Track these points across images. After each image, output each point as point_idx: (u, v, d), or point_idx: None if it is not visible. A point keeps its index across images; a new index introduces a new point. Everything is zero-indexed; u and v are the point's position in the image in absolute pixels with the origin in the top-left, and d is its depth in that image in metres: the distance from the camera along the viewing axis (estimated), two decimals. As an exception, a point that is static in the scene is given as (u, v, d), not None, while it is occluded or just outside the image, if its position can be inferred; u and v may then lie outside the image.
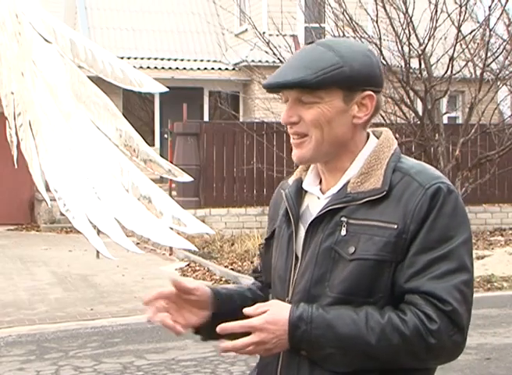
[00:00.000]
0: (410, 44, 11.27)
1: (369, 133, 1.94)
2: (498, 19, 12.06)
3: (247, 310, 1.81)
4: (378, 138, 1.94)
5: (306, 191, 1.97)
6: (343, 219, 1.84)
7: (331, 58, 1.84)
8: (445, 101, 16.62)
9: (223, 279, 10.46)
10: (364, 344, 1.75)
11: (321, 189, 1.95)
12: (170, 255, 12.59)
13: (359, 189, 1.85)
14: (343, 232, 1.83)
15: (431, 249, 1.78)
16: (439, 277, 1.76)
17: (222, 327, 1.80)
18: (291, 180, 2.03)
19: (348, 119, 1.87)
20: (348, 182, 1.88)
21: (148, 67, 18.85)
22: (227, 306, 1.98)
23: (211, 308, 1.97)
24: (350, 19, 11.45)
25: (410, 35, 11.35)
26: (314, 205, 1.93)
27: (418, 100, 12.01)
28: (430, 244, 1.78)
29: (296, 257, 1.92)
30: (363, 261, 1.80)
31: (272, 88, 1.91)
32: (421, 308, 1.75)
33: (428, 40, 11.35)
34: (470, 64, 11.96)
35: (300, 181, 1.99)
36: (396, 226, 1.79)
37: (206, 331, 2.00)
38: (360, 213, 1.83)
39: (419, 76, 11.57)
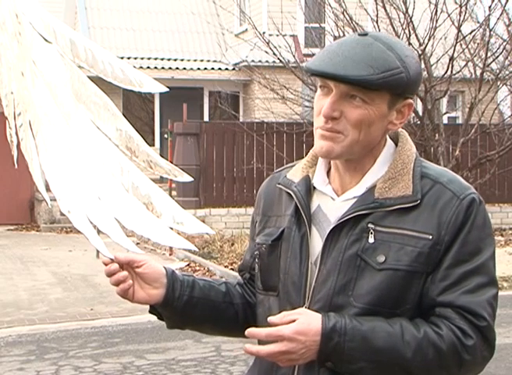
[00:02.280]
0: (410, 44, 11.27)
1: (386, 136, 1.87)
2: (498, 19, 12.07)
3: (272, 318, 1.71)
4: (392, 139, 1.87)
5: (314, 189, 1.88)
6: (371, 225, 1.76)
7: (393, 61, 1.74)
8: (445, 101, 16.63)
9: (223, 279, 10.46)
10: (399, 358, 1.70)
11: (333, 188, 1.86)
12: (170, 255, 12.59)
13: (386, 195, 1.78)
14: (371, 239, 1.75)
15: (464, 262, 1.74)
16: (473, 291, 1.73)
17: (249, 332, 1.72)
18: (294, 177, 1.91)
19: (385, 124, 1.79)
20: (373, 186, 1.80)
21: (148, 67, 18.86)
22: (187, 292, 1.92)
23: (165, 290, 1.90)
24: (350, 19, 11.46)
25: (410, 35, 11.36)
26: (330, 206, 1.84)
27: (418, 100, 12.01)
28: (463, 257, 1.74)
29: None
30: (393, 271, 1.73)
31: (324, 77, 1.76)
32: (455, 323, 1.71)
33: (428, 40, 11.36)
34: (470, 64, 11.97)
35: (308, 179, 1.88)
36: (430, 237, 1.73)
37: (167, 316, 1.95)
38: (389, 221, 1.76)
39: (419, 76, 11.56)
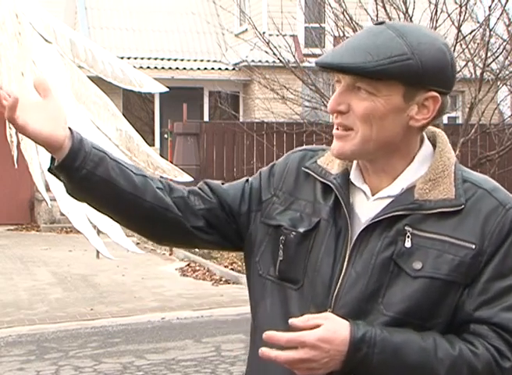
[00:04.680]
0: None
1: (423, 135, 1.73)
2: (498, 19, 12.05)
3: (294, 321, 1.56)
4: (429, 139, 1.74)
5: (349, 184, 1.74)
6: (408, 228, 1.64)
7: (398, 47, 1.60)
8: (445, 101, 16.59)
9: (223, 279, 10.46)
10: (431, 374, 1.58)
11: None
12: (170, 255, 12.59)
13: (427, 197, 1.66)
14: (408, 243, 1.63)
15: (504, 276, 1.63)
16: (511, 309, 1.62)
17: (268, 336, 1.56)
18: (330, 167, 1.76)
19: (404, 119, 1.65)
20: (412, 187, 1.67)
21: (148, 67, 18.84)
22: (89, 167, 1.67)
23: (67, 152, 1.64)
24: (350, 19, 11.44)
25: (410, 35, 11.34)
26: (362, 204, 1.71)
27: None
28: (504, 271, 1.63)
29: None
30: (430, 280, 1.61)
31: (325, 68, 1.66)
32: (492, 342, 1.60)
33: (428, 40, 11.34)
34: (470, 64, 11.95)
35: (347, 173, 1.73)
36: (474, 247, 1.62)
37: (64, 182, 1.69)
38: (428, 225, 1.64)
39: (419, 76, 11.56)
